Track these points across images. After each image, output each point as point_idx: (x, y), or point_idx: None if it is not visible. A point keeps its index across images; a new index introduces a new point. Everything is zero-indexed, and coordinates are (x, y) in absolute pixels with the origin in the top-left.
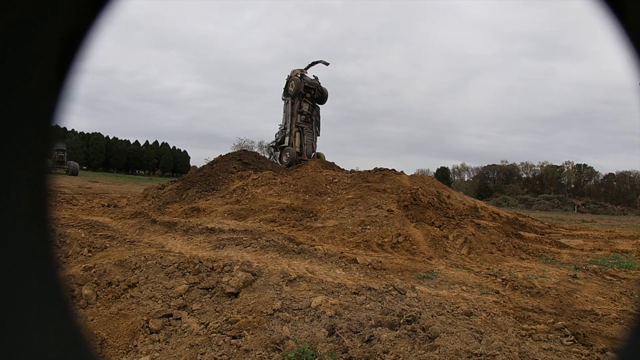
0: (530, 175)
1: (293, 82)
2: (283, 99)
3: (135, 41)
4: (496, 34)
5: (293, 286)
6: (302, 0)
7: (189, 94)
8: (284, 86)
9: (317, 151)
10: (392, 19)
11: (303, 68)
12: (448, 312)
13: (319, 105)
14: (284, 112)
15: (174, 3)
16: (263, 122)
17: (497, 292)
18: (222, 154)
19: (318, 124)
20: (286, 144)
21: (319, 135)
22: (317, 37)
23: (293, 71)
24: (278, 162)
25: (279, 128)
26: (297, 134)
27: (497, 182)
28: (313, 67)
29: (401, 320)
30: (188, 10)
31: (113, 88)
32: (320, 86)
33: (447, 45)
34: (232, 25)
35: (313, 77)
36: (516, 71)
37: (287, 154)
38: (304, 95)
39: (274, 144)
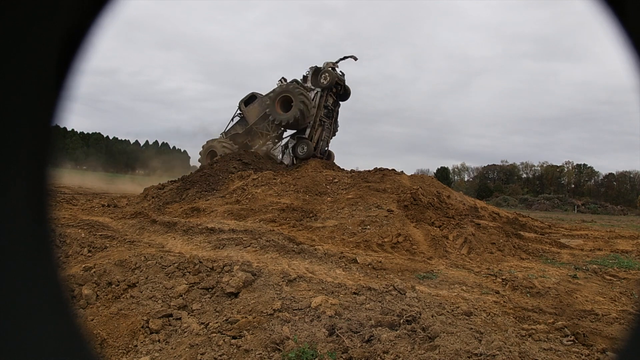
0: (530, 175)
1: (327, 74)
2: (312, 89)
3: (139, 42)
4: (498, 35)
5: (293, 286)
6: (306, 1)
7: (191, 94)
8: (306, 74)
9: (329, 149)
10: (395, 20)
11: (334, 62)
12: (448, 312)
13: (340, 103)
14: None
15: (177, 3)
16: None
17: (497, 292)
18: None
19: (337, 122)
20: (306, 135)
21: (335, 134)
22: (320, 38)
23: (327, 63)
24: (289, 152)
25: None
26: (319, 129)
27: (497, 182)
28: (342, 61)
29: (401, 320)
30: (191, 11)
31: (115, 88)
32: (345, 83)
33: (449, 46)
34: (235, 25)
35: (341, 73)
36: (517, 72)
37: (305, 146)
38: (331, 90)
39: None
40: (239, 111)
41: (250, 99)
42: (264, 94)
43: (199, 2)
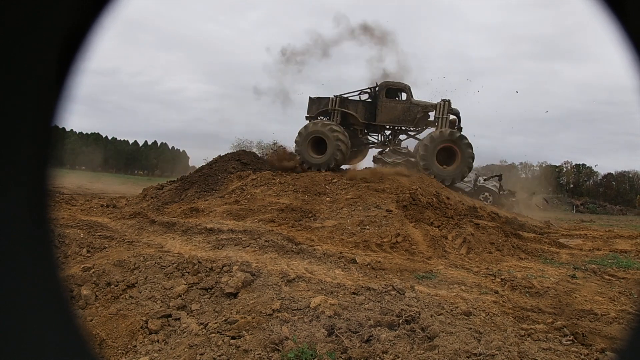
0: (529, 175)
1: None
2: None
3: (139, 42)
4: (499, 36)
5: (292, 286)
6: (307, 1)
7: (192, 95)
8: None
9: None
10: (396, 21)
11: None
12: (447, 312)
13: None
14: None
15: (178, 4)
16: (265, 122)
17: (496, 292)
18: (221, 154)
19: None
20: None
21: None
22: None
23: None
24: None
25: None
26: None
27: None
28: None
29: (400, 320)
30: (192, 11)
31: (116, 88)
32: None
33: (450, 47)
34: (236, 26)
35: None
36: (518, 72)
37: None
38: None
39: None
40: (372, 91)
41: (394, 90)
42: (415, 97)
43: (200, 2)
